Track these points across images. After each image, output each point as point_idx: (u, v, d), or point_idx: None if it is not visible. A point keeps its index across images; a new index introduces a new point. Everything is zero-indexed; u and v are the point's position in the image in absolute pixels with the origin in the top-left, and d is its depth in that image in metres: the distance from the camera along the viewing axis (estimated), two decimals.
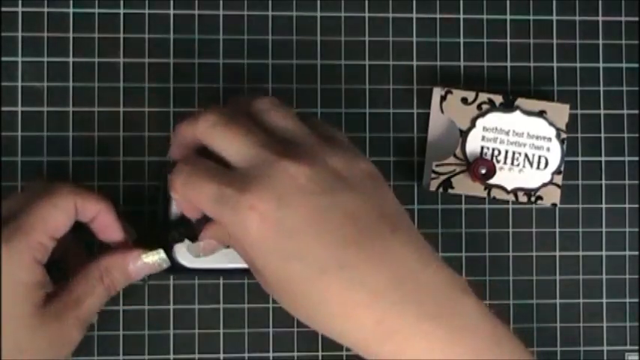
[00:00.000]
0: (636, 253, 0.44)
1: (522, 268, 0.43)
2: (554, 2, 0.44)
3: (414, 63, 0.44)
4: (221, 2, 0.43)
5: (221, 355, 0.42)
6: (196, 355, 0.42)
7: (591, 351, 0.43)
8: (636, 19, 0.45)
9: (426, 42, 0.44)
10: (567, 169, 0.43)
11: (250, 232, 0.30)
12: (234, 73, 0.43)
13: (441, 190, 0.41)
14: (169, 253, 0.38)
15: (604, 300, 0.44)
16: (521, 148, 0.41)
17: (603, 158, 0.44)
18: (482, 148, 0.41)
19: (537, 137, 0.41)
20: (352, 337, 0.31)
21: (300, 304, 0.31)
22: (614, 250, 0.44)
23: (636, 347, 0.44)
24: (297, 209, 0.30)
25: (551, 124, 0.42)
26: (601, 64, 0.44)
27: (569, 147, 0.43)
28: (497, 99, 0.41)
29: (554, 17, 0.44)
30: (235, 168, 0.32)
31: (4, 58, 0.42)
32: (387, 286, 0.30)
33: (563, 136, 0.42)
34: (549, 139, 0.42)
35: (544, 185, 0.41)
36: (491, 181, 0.41)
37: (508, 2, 0.44)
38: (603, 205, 0.44)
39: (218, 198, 0.31)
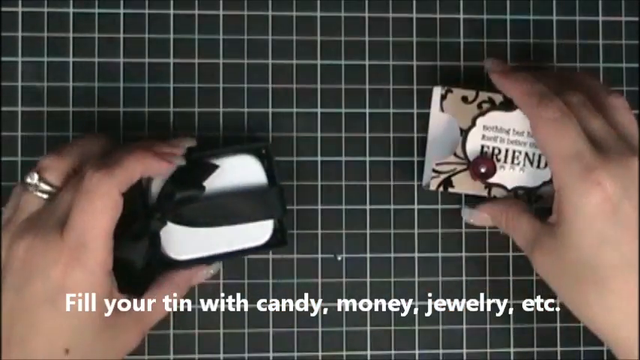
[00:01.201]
0: None
1: (522, 268, 0.43)
2: (554, 2, 0.44)
3: (414, 63, 0.44)
4: (221, 2, 0.43)
5: (221, 355, 0.42)
6: (196, 355, 0.42)
7: (591, 351, 0.43)
8: (636, 19, 0.45)
9: (426, 42, 0.44)
10: None
11: (588, 204, 0.33)
12: (234, 73, 0.43)
13: (441, 189, 0.41)
14: (158, 245, 0.38)
15: None
16: (522, 147, 0.41)
17: None
18: (482, 147, 0.41)
19: None
20: (625, 334, 0.34)
21: (582, 288, 0.34)
22: None
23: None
24: (634, 204, 0.33)
25: None
26: (601, 64, 0.44)
27: None
28: (498, 98, 0.41)
29: (554, 17, 0.44)
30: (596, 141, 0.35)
31: (4, 58, 0.42)
32: None
33: None
34: None
35: (544, 184, 0.41)
36: (492, 180, 0.41)
37: (508, 2, 0.44)
38: None
39: (575, 155, 0.34)
